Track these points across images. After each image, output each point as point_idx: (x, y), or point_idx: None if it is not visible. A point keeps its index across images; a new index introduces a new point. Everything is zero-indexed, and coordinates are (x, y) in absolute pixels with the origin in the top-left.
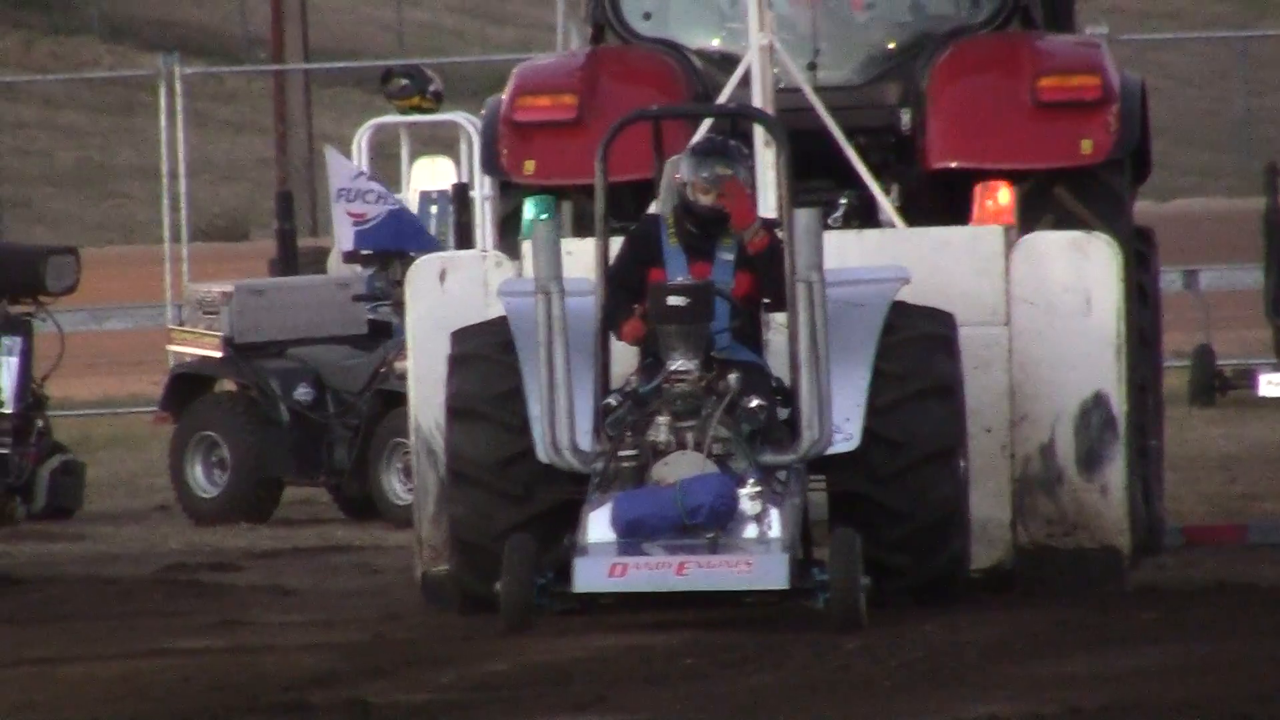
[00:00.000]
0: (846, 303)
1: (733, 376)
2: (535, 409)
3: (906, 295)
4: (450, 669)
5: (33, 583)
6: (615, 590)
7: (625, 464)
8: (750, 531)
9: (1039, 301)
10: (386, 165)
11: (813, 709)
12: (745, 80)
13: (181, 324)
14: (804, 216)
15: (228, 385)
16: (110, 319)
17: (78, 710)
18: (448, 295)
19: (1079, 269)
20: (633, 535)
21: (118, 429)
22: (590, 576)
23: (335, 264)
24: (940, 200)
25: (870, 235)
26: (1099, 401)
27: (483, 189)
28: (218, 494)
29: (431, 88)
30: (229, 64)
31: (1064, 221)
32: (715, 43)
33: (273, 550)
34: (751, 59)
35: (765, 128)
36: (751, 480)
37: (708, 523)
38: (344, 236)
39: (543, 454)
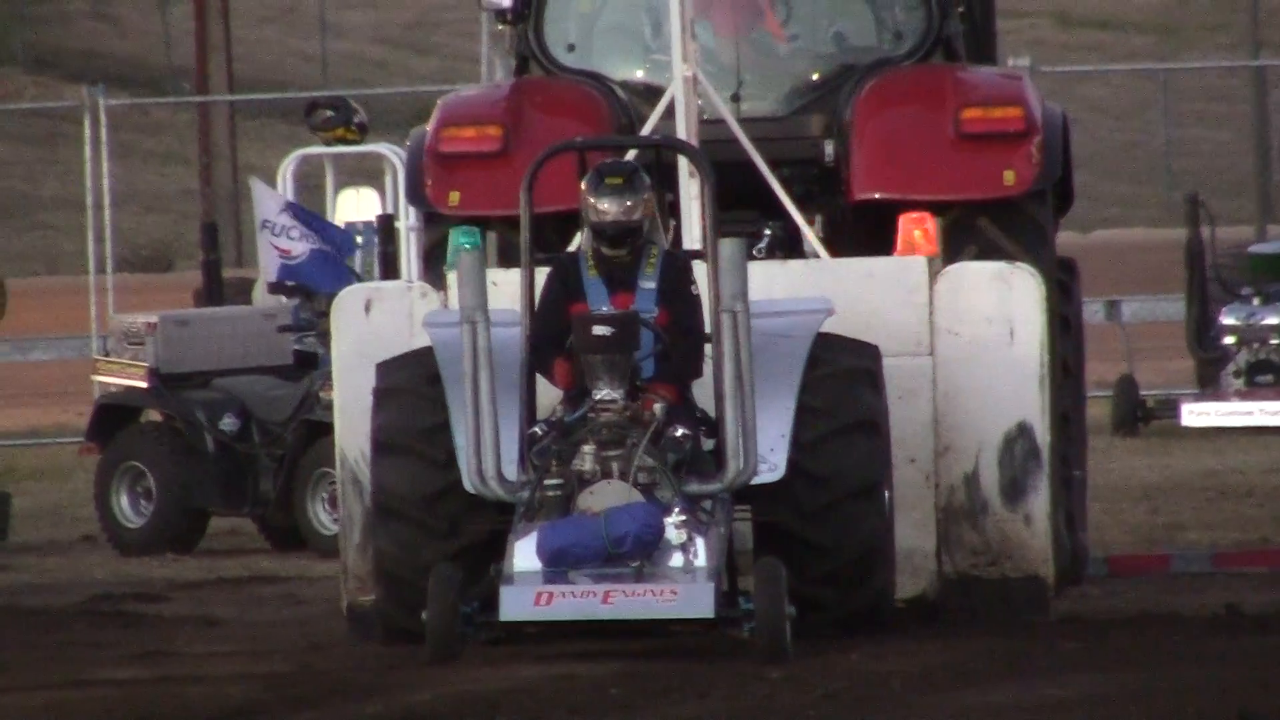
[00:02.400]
0: (771, 334)
1: (658, 406)
2: (461, 440)
3: (831, 326)
4: (376, 699)
5: None
6: (541, 619)
7: (551, 493)
8: (676, 560)
9: (963, 332)
10: (311, 196)
11: None
12: (670, 111)
13: (107, 355)
14: (728, 247)
15: (153, 416)
16: (35, 350)
17: None
18: (373, 326)
19: (1003, 300)
20: (558, 564)
21: (43, 459)
22: (516, 605)
23: (261, 295)
24: (864, 231)
25: (795, 265)
26: (1023, 432)
27: (408, 220)
28: (143, 524)
29: (356, 119)
30: (153, 95)
31: (987, 253)
32: (639, 74)
33: (198, 580)
34: (675, 90)
35: (689, 159)
36: (677, 509)
37: (633, 552)
38: (269, 268)
39: (469, 484)
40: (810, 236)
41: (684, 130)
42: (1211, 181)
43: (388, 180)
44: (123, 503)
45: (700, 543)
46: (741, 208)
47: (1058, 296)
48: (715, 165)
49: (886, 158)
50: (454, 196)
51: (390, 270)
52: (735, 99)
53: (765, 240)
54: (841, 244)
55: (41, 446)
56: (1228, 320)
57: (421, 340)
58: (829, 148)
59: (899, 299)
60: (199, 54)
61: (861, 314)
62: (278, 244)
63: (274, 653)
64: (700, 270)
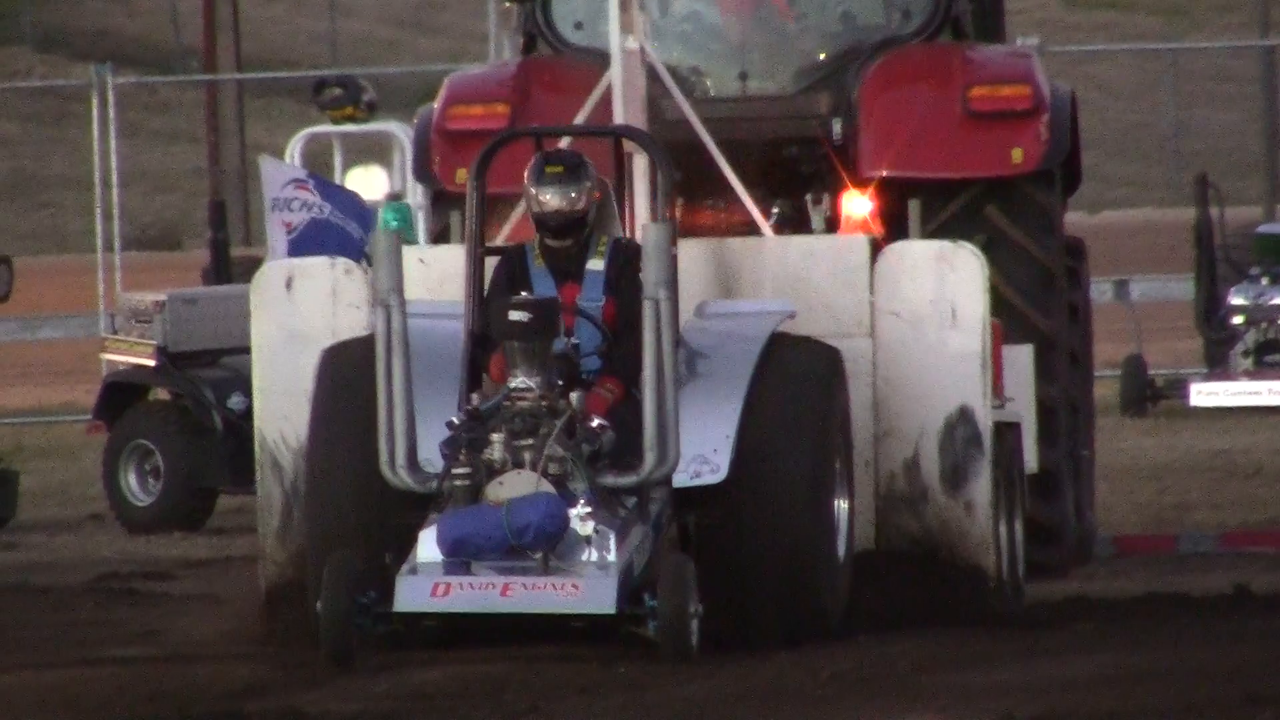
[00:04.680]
0: (725, 334)
1: (574, 395)
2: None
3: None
4: (384, 678)
5: None
6: (437, 611)
7: (459, 483)
8: (583, 554)
9: (904, 313)
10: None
11: (744, 717)
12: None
13: (115, 333)
14: (653, 231)
15: (161, 394)
16: (43, 328)
17: None
18: (295, 304)
19: (944, 280)
20: (458, 555)
21: (51, 438)
22: (412, 596)
23: None
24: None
25: (735, 244)
26: (964, 416)
27: (416, 198)
28: (151, 503)
29: (365, 98)
30: (161, 74)
31: (995, 236)
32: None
33: (206, 559)
34: (614, 66)
35: (641, 146)
36: (583, 501)
37: (535, 543)
38: (277, 247)
39: (384, 473)
40: (755, 214)
41: (621, 110)
42: (1220, 162)
43: (396, 159)
44: (130, 481)
45: (611, 537)
46: (748, 186)
47: (1065, 283)
48: (722, 143)
49: (894, 136)
50: (461, 174)
51: None
52: (742, 77)
53: (773, 218)
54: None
55: (49, 425)
56: (1236, 300)
57: (345, 320)
58: (837, 126)
59: (839, 279)
60: (207, 32)
61: (801, 294)
62: (285, 219)
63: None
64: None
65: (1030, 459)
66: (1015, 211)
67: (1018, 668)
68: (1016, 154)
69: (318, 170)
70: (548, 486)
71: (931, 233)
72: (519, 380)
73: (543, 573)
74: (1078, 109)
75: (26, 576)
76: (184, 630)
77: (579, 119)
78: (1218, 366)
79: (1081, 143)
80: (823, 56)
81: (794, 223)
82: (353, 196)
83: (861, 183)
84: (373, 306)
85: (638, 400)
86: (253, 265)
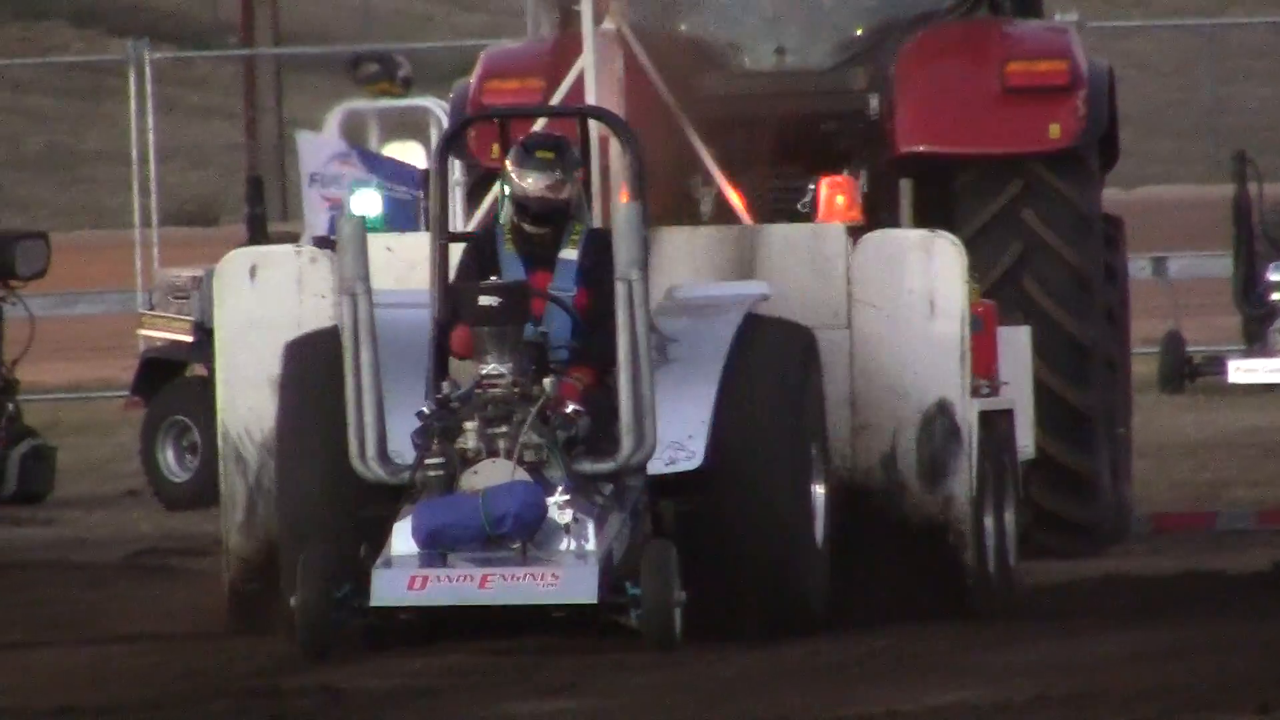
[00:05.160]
0: (698, 318)
1: (547, 381)
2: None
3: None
4: (419, 655)
5: (1, 568)
6: (414, 604)
7: (432, 473)
8: (562, 543)
9: (881, 304)
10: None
11: (783, 696)
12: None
13: (152, 309)
14: (624, 211)
15: (198, 370)
16: (80, 304)
17: (47, 697)
18: (259, 293)
19: (923, 270)
20: (434, 546)
21: (88, 414)
22: (388, 589)
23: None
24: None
25: (708, 232)
26: (942, 410)
27: (452, 174)
28: (188, 479)
29: (401, 73)
30: (198, 49)
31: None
32: (683, 28)
33: None
34: (586, 48)
35: (611, 128)
36: (561, 489)
37: (513, 533)
38: (317, 222)
39: (355, 466)
40: (732, 198)
41: (593, 92)
42: (1258, 138)
43: (433, 134)
44: (168, 457)
45: (590, 525)
46: (785, 164)
47: (1104, 247)
48: (758, 120)
49: (931, 111)
50: (496, 149)
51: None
52: (779, 52)
53: (809, 195)
54: (886, 199)
55: (86, 401)
56: (1274, 277)
57: (311, 308)
58: (873, 102)
59: (815, 268)
60: (244, 7)
61: (778, 283)
62: (327, 194)
63: None
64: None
65: (1027, 445)
66: (1052, 216)
67: (1054, 646)
68: (1054, 129)
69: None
70: (524, 475)
71: (969, 239)
72: (490, 366)
73: (521, 563)
74: (1115, 85)
75: (63, 553)
76: (219, 607)
77: (555, 100)
78: (1256, 343)
79: (1119, 119)
80: (860, 32)
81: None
82: (396, 162)
83: (898, 159)
84: (338, 295)
85: (610, 387)
86: (290, 241)
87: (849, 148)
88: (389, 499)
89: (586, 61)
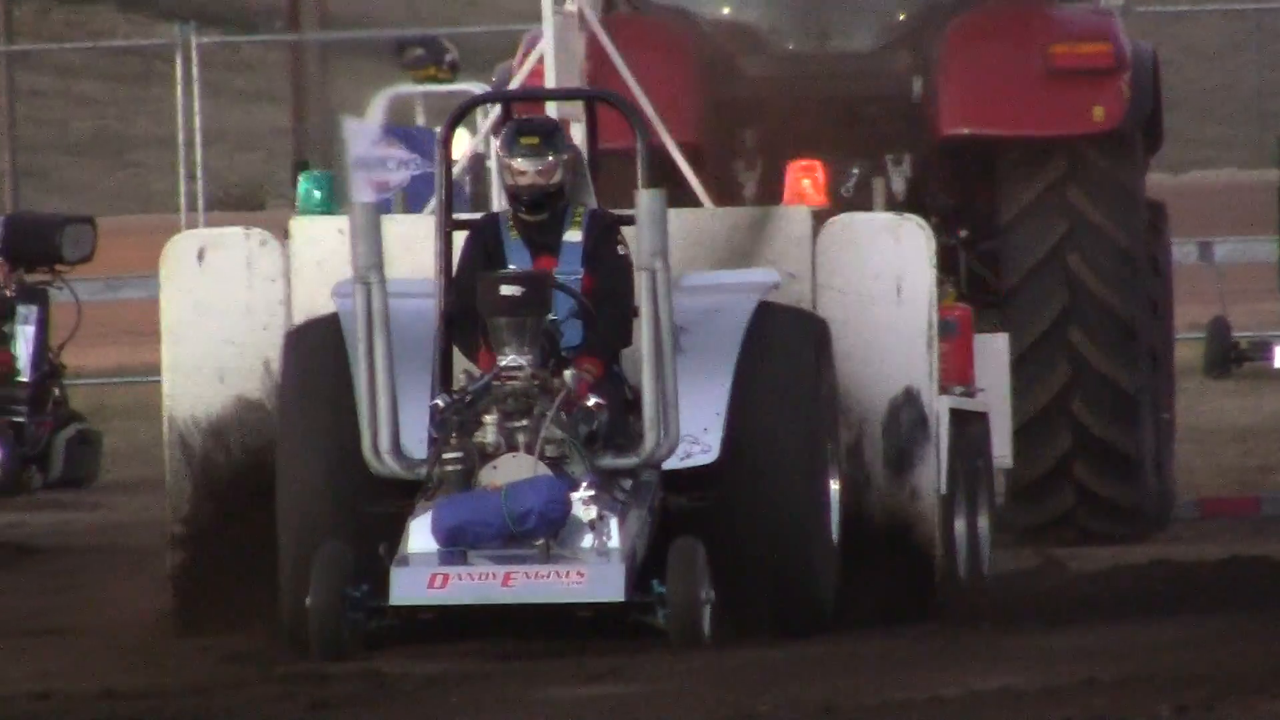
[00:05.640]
0: (709, 308)
1: (568, 373)
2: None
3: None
4: (464, 640)
5: (48, 552)
6: (435, 603)
7: (450, 468)
8: (586, 540)
9: (847, 289)
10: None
11: (829, 680)
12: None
13: None
14: (647, 198)
15: None
16: (126, 288)
17: (93, 680)
18: (207, 276)
19: (890, 254)
20: (455, 544)
21: (133, 398)
22: (408, 588)
23: None
24: (951, 169)
25: (671, 215)
26: (909, 398)
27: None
28: None
29: (447, 58)
30: (245, 33)
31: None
32: (725, 10)
33: None
34: (546, 29)
35: (622, 112)
36: (585, 484)
37: (537, 529)
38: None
39: (367, 460)
40: (693, 181)
41: (554, 74)
42: None
43: (479, 119)
44: None
45: (613, 522)
46: (827, 148)
47: (1148, 236)
48: (801, 103)
49: (975, 94)
50: None
51: (482, 210)
52: (821, 35)
53: (853, 179)
54: (929, 182)
55: (132, 385)
56: None
57: (262, 293)
58: (917, 85)
59: (781, 252)
60: None
61: (744, 267)
62: (375, 179)
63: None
64: (631, 234)
65: (1004, 454)
66: (1097, 194)
67: (1101, 631)
68: (1098, 112)
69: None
70: (545, 470)
71: (1014, 218)
72: (509, 358)
73: (545, 561)
74: (1160, 68)
75: (108, 537)
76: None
77: (515, 83)
78: None
79: (1165, 103)
80: (902, 14)
81: (873, 182)
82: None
83: (941, 141)
84: (352, 283)
85: (619, 378)
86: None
87: (891, 131)
88: (397, 494)
89: (546, 41)
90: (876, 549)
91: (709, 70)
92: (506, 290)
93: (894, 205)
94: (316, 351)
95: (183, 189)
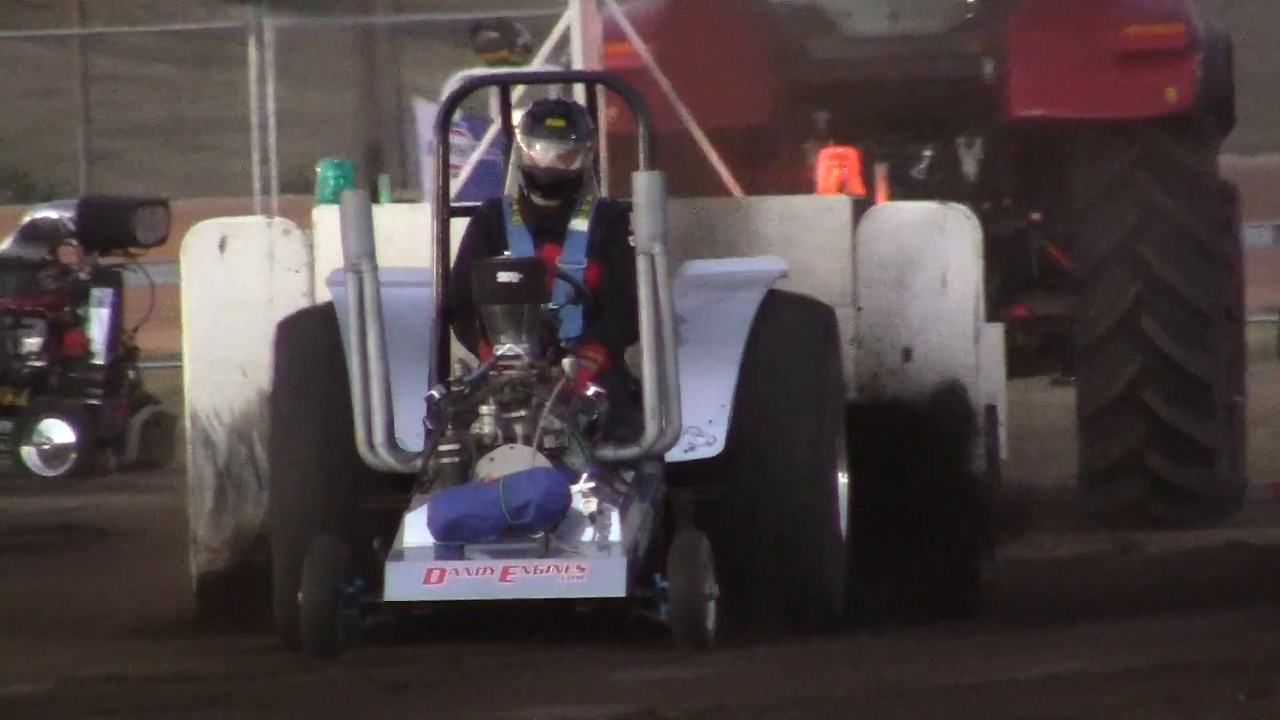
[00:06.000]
0: (715, 297)
1: (567, 362)
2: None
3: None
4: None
5: (123, 534)
6: (431, 599)
7: (446, 461)
8: (586, 534)
9: (890, 280)
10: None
11: (901, 667)
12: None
13: None
14: (645, 182)
15: None
16: None
17: (159, 662)
18: (228, 265)
19: (935, 244)
20: (451, 538)
21: None
22: (403, 583)
23: None
24: (1021, 151)
25: (705, 204)
26: (955, 392)
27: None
28: None
29: (520, 41)
30: (317, 16)
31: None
32: None
33: None
34: (571, 11)
35: (623, 95)
36: (585, 476)
37: (535, 523)
38: (433, 190)
39: (361, 454)
40: (721, 170)
41: (579, 56)
42: None
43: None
44: None
45: (614, 515)
46: (899, 130)
47: (1216, 234)
48: (873, 85)
49: (1046, 76)
50: (611, 113)
51: None
52: (893, 17)
53: (925, 162)
54: (999, 165)
55: None
56: None
57: (282, 282)
58: (987, 66)
59: (821, 243)
60: None
61: (783, 259)
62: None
63: None
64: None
65: (1002, 445)
66: (1168, 181)
67: (1174, 615)
68: (1170, 93)
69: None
70: (544, 461)
71: (1085, 205)
72: (506, 347)
73: (544, 555)
74: (1232, 50)
75: (182, 520)
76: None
77: (536, 64)
78: None
79: (1239, 85)
80: None
81: (946, 168)
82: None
83: (1011, 124)
84: (344, 272)
85: (624, 369)
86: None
87: (961, 113)
88: (391, 488)
89: (573, 23)
90: (922, 544)
91: (778, 52)
92: (503, 277)
93: (965, 188)
94: (309, 342)
95: (255, 172)
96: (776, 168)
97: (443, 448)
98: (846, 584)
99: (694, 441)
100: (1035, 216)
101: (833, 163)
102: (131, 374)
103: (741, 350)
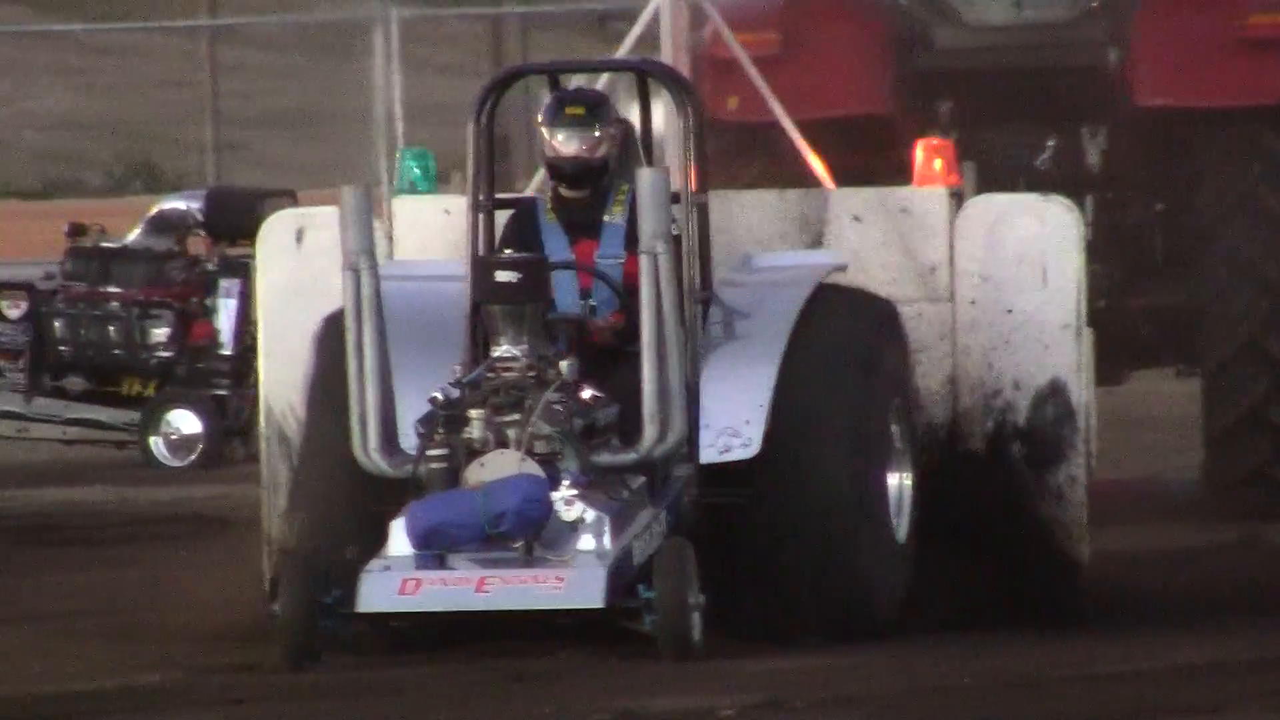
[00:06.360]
0: (762, 292)
1: (564, 364)
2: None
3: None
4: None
5: (248, 525)
6: (405, 610)
7: (435, 466)
8: (574, 542)
9: (987, 275)
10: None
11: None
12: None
13: None
14: (647, 177)
15: None
16: None
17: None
18: (305, 258)
19: (1035, 237)
20: (430, 546)
21: None
22: (377, 594)
23: None
24: (1146, 140)
25: (792, 196)
26: (1055, 390)
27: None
28: None
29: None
30: (446, 7)
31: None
32: None
33: None
34: (661, 4)
35: (666, 86)
36: (567, 482)
37: (514, 531)
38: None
39: (357, 457)
40: (813, 162)
41: (668, 51)
42: None
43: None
44: None
45: (605, 522)
46: (1021, 119)
47: None
48: (994, 74)
49: (1171, 64)
50: (732, 102)
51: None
52: (1017, 4)
53: (1048, 152)
54: (1124, 154)
55: None
56: None
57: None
58: (1112, 54)
59: (915, 236)
60: None
61: (870, 253)
62: None
63: None
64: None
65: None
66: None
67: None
68: None
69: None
70: (533, 467)
71: (1211, 195)
72: (503, 348)
73: (524, 565)
74: None
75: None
76: None
77: (621, 53)
78: None
79: None
80: None
81: (1070, 157)
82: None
83: (1138, 113)
84: (342, 270)
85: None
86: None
87: (1086, 102)
88: (405, 492)
89: (663, 14)
90: (1022, 547)
91: (901, 41)
92: (502, 276)
93: (1088, 178)
94: (340, 342)
95: (383, 163)
96: (897, 157)
97: (431, 452)
98: (906, 588)
99: (729, 443)
100: (1159, 207)
101: (930, 154)
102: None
103: (783, 347)
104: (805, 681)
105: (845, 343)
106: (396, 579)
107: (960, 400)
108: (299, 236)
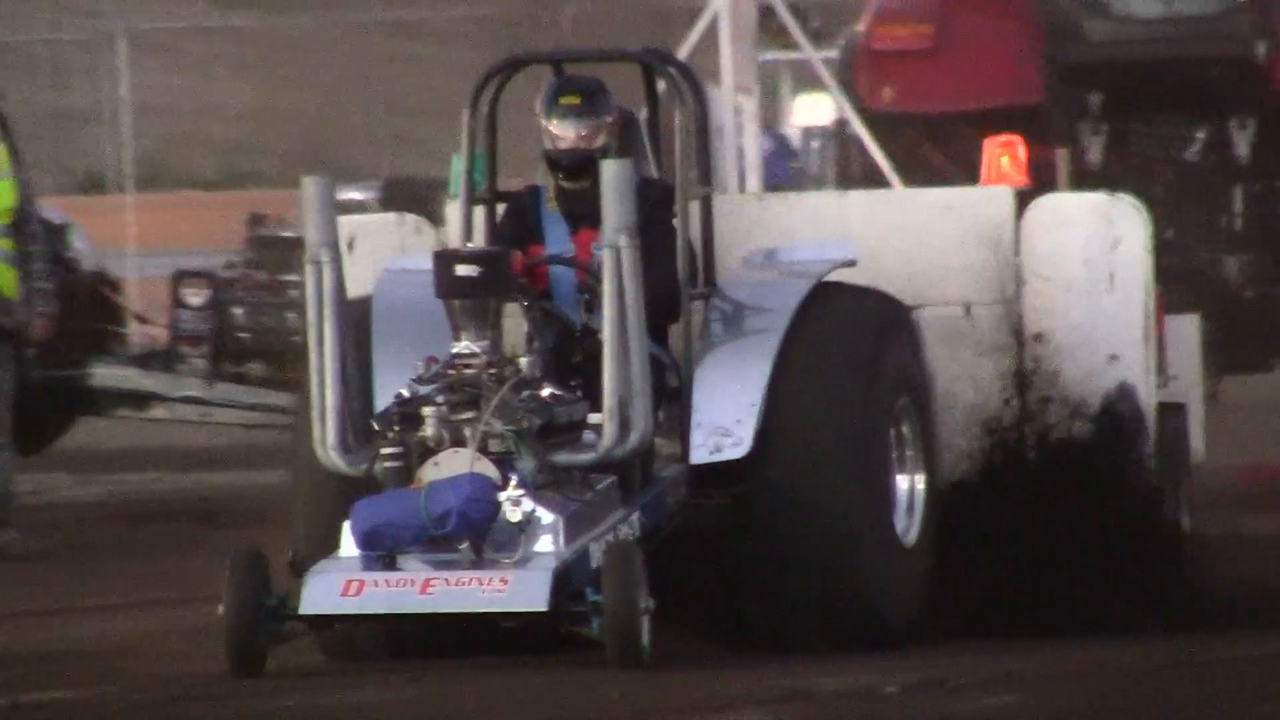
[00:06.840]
0: (762, 287)
1: (523, 360)
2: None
3: (898, 272)
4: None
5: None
6: (348, 612)
7: (389, 464)
8: (524, 544)
9: (1054, 276)
10: (767, 102)
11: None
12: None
13: None
14: (611, 169)
15: None
16: None
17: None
18: (357, 266)
19: (1102, 238)
20: (372, 547)
21: None
22: (320, 596)
23: None
24: None
25: (855, 197)
26: (1124, 394)
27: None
28: None
29: (812, 24)
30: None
31: None
32: None
33: None
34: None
35: (667, 77)
36: (515, 482)
37: (457, 532)
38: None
39: (316, 453)
40: (880, 158)
41: (728, 51)
42: None
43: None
44: None
45: (560, 523)
46: (1168, 111)
47: None
48: (1140, 66)
49: None
50: (887, 93)
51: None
52: None
53: (1198, 144)
54: (1272, 145)
55: None
56: None
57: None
58: (1260, 47)
59: (980, 236)
60: None
61: (934, 254)
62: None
63: None
64: (690, 208)
65: (1198, 446)
66: None
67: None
68: None
69: (766, 96)
70: (487, 466)
71: None
72: (463, 345)
73: (469, 567)
74: None
75: None
76: None
77: (683, 50)
78: None
79: None
80: None
81: (1219, 149)
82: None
83: None
84: (303, 263)
85: (661, 364)
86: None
87: (1235, 94)
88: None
89: (721, 8)
90: (1086, 557)
91: (1052, 32)
92: (462, 270)
93: (1236, 169)
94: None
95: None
96: (1046, 149)
97: (385, 451)
98: (917, 592)
99: (720, 442)
100: None
101: (998, 151)
102: None
103: (777, 345)
104: (966, 661)
105: (844, 341)
106: (340, 580)
107: (1027, 402)
108: (351, 245)
